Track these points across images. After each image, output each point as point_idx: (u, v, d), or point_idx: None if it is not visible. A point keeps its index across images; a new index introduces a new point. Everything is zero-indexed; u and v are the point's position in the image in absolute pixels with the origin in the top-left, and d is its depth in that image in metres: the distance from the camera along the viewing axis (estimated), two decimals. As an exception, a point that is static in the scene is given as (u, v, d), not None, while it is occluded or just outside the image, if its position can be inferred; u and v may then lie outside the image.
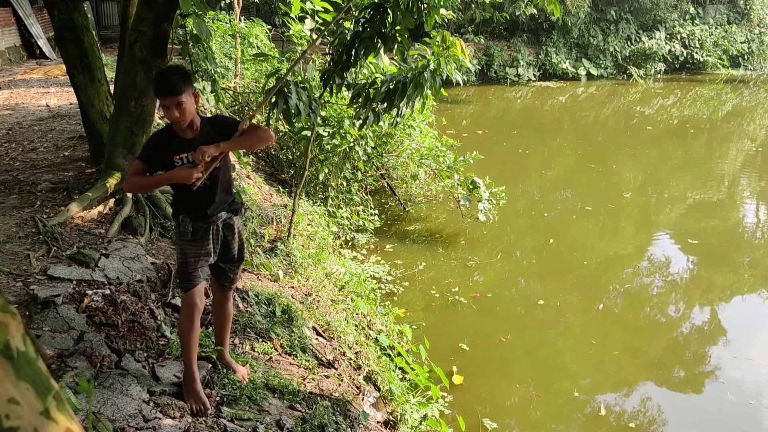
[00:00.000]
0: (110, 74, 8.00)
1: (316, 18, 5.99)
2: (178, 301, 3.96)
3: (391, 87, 5.32)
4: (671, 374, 5.81)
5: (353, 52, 5.11)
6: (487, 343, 5.99)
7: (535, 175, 12.40)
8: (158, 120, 6.36)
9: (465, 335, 5.98)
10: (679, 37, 26.78)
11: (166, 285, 4.13)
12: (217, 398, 3.08)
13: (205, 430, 2.79)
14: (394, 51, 5.06)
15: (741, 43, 27.74)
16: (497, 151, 13.57)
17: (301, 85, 5.16)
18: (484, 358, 5.75)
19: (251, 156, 8.75)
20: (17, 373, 0.78)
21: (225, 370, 3.30)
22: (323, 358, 4.28)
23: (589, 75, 24.72)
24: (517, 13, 20.93)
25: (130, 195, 4.94)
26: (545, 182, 11.97)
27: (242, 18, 12.06)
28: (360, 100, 5.58)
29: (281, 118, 5.31)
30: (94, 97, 5.53)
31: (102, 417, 2.59)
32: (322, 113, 7.65)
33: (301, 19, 6.85)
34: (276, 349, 3.96)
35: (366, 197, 8.86)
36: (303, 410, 3.35)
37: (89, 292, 3.60)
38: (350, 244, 7.85)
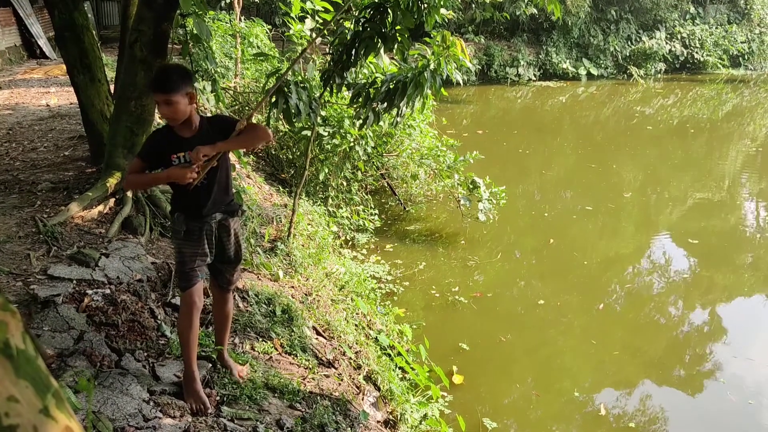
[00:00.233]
0: (110, 74, 8.00)
1: (317, 18, 5.99)
2: (178, 301, 3.95)
3: (391, 87, 5.32)
4: (671, 374, 5.81)
5: (353, 52, 5.11)
6: (488, 342, 5.99)
7: (535, 174, 12.40)
8: (158, 120, 6.36)
9: (465, 335, 5.98)
10: (679, 36, 26.78)
11: (167, 284, 4.14)
12: (217, 398, 3.09)
13: (206, 430, 2.79)
14: (395, 51, 5.06)
15: (741, 42, 27.74)
16: (497, 150, 13.57)
17: (302, 85, 5.16)
18: (484, 357, 5.75)
19: (251, 156, 8.75)
20: (17, 372, 0.78)
21: (224, 370, 3.30)
22: (323, 358, 4.28)
23: (589, 75, 24.72)
24: (518, 13, 20.93)
25: (130, 194, 4.94)
26: (545, 182, 11.96)
27: (242, 18, 12.06)
28: (360, 99, 5.58)
29: (281, 117, 5.31)
30: (95, 97, 5.54)
31: (102, 416, 2.59)
32: (323, 113, 7.65)
33: (302, 19, 6.85)
34: (276, 349, 3.96)
35: (366, 197, 8.86)
36: (303, 410, 3.35)
37: (89, 291, 3.60)
38: (350, 243, 7.85)
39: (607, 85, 23.99)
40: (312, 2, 5.98)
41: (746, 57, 28.07)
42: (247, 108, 9.25)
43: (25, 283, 3.55)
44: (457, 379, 5.29)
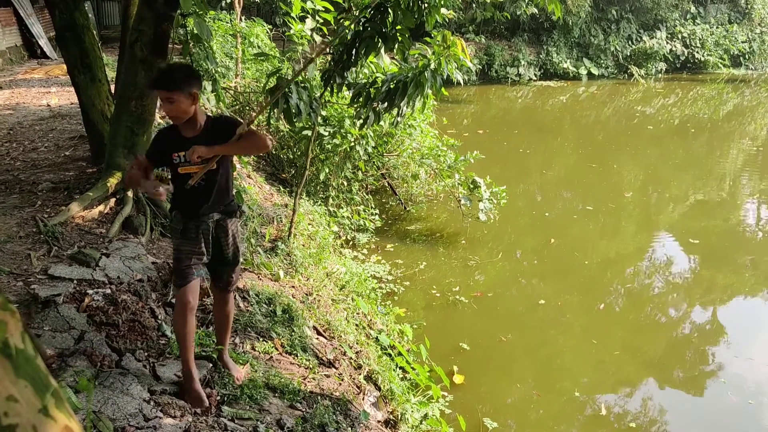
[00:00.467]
0: (111, 74, 8.01)
1: (317, 18, 5.99)
2: (178, 301, 3.96)
3: (391, 86, 5.32)
4: (672, 374, 5.81)
5: (354, 52, 5.11)
6: (488, 342, 5.98)
7: (535, 174, 12.40)
8: (158, 119, 6.36)
9: (466, 335, 5.98)
10: (680, 36, 26.76)
11: (167, 284, 4.13)
12: (218, 397, 3.09)
13: (206, 430, 2.79)
14: (395, 50, 5.06)
15: (742, 42, 27.72)
16: (498, 150, 13.57)
17: (302, 85, 5.15)
18: (484, 357, 5.74)
19: (252, 155, 8.74)
20: (16, 371, 0.78)
21: (225, 370, 3.30)
22: (324, 358, 4.28)
23: (590, 74, 24.71)
24: (518, 13, 20.92)
25: (130, 194, 4.94)
26: (546, 182, 11.96)
27: (243, 18, 12.07)
28: (361, 99, 5.58)
29: (282, 117, 5.31)
30: (95, 97, 5.54)
31: (103, 416, 2.59)
32: (323, 113, 7.65)
33: (302, 19, 6.84)
34: (276, 349, 3.96)
35: (367, 197, 8.86)
36: (303, 409, 3.35)
37: (90, 291, 3.60)
38: (351, 243, 7.85)
39: (607, 84, 23.98)
40: (312, 2, 5.97)
41: (747, 57, 28.04)
42: (247, 108, 9.25)
43: (25, 283, 3.55)
44: (458, 378, 5.29)
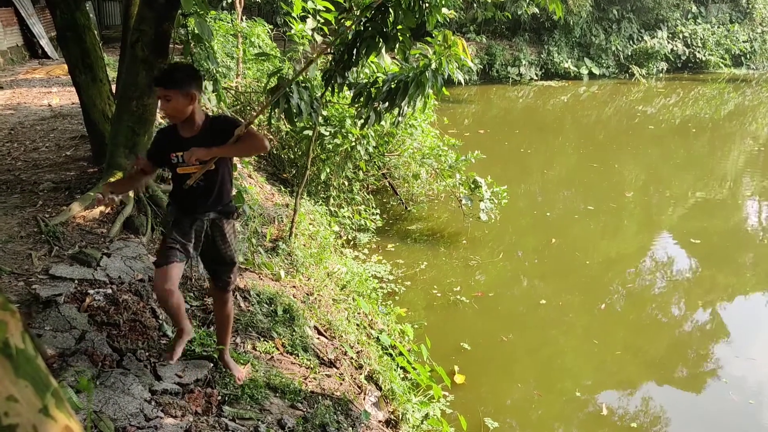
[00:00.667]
0: (112, 74, 8.01)
1: (318, 17, 5.99)
2: (179, 301, 3.97)
3: (392, 86, 5.32)
4: (673, 374, 5.80)
5: (355, 52, 5.11)
6: (489, 342, 5.98)
7: (537, 174, 12.39)
8: (159, 119, 6.36)
9: (467, 335, 5.98)
10: (681, 36, 26.74)
11: (168, 284, 4.13)
12: (219, 397, 3.09)
13: (207, 429, 2.79)
14: (396, 50, 5.05)
15: (743, 42, 27.70)
16: (499, 150, 13.56)
17: (303, 85, 5.15)
18: (485, 357, 5.74)
19: (252, 156, 8.74)
20: (16, 371, 0.78)
21: (226, 370, 3.30)
22: (325, 358, 4.28)
23: (591, 74, 24.70)
24: (519, 12, 20.91)
25: (131, 194, 4.94)
26: (547, 182, 11.95)
27: (244, 17, 12.06)
28: (362, 99, 5.57)
29: (283, 117, 5.31)
30: (96, 97, 5.54)
31: (104, 416, 2.59)
32: (324, 113, 7.65)
33: (303, 19, 6.84)
34: (277, 349, 3.96)
35: (368, 197, 8.86)
36: (304, 409, 3.35)
37: (91, 291, 3.61)
38: (352, 243, 7.85)
39: (608, 84, 23.96)
40: (313, 2, 5.97)
41: (748, 56, 28.02)
42: (249, 108, 9.25)
43: (26, 282, 3.55)
44: (459, 378, 5.28)
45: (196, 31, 5.02)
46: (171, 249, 2.86)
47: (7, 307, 0.81)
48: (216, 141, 2.80)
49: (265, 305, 4.50)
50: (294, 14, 6.68)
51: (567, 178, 12.26)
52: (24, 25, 14.13)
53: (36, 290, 3.44)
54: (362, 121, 5.76)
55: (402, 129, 8.61)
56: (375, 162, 8.90)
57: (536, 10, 20.40)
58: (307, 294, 5.31)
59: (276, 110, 5.09)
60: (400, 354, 4.95)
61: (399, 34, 4.90)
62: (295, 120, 5.14)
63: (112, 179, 4.89)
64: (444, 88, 5.42)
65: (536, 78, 23.93)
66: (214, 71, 6.17)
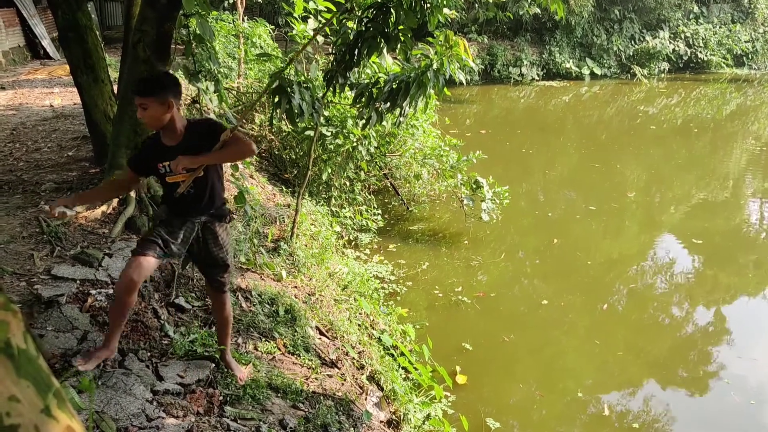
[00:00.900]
0: (114, 74, 8.01)
1: (319, 18, 5.99)
2: (181, 301, 3.97)
3: (394, 87, 5.32)
4: (675, 374, 5.80)
5: (356, 52, 5.11)
6: (491, 342, 5.98)
7: (538, 174, 12.38)
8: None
9: (468, 335, 5.97)
10: (683, 36, 26.72)
11: (170, 285, 4.14)
12: (220, 398, 3.09)
13: (209, 430, 2.79)
14: (397, 51, 5.06)
15: (745, 42, 27.68)
16: (500, 150, 13.56)
17: (304, 85, 5.15)
18: (487, 357, 5.74)
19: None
20: (18, 371, 0.78)
21: (227, 370, 3.30)
22: (326, 358, 4.28)
23: (592, 74, 24.69)
24: (521, 13, 20.91)
25: (133, 195, 4.94)
26: (549, 182, 11.94)
27: (245, 18, 12.08)
28: (363, 99, 5.58)
29: (284, 117, 5.31)
30: (98, 97, 5.54)
31: (105, 416, 2.60)
32: (325, 113, 7.65)
33: (305, 19, 6.85)
34: (279, 349, 3.96)
35: (369, 197, 8.86)
36: (306, 410, 3.35)
37: (93, 291, 3.61)
38: (353, 243, 7.85)
39: (610, 84, 23.95)
40: (315, 2, 5.98)
41: (750, 56, 28.00)
42: (251, 109, 9.24)
43: (28, 283, 3.55)
44: (461, 379, 5.28)
45: (198, 32, 5.02)
46: (152, 242, 2.85)
47: (9, 307, 0.81)
48: (198, 144, 2.79)
49: (267, 305, 4.50)
50: (296, 14, 6.68)
51: (569, 178, 12.25)
52: (26, 26, 14.15)
53: (38, 290, 3.44)
54: (364, 121, 5.77)
55: (403, 129, 8.61)
56: (376, 162, 8.90)
57: (538, 11, 20.42)
58: (309, 294, 5.31)
59: (278, 110, 5.09)
60: (402, 354, 4.94)
61: (400, 34, 4.91)
62: (297, 120, 5.15)
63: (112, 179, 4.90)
64: (445, 89, 5.43)
65: (538, 78, 23.92)
66: (216, 72, 6.16)
